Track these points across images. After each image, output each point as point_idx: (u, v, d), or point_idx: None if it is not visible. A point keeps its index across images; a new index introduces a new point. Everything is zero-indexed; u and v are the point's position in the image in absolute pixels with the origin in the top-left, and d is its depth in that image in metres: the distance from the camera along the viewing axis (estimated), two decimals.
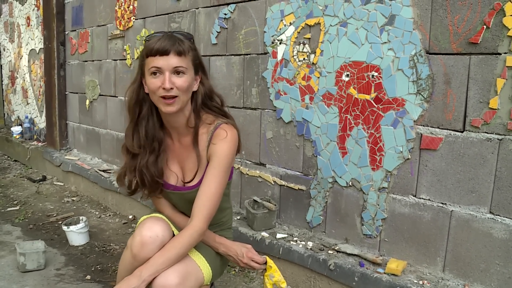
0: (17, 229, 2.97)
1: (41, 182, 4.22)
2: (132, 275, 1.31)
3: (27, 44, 5.31)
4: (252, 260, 1.51)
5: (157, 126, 1.50)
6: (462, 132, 1.67)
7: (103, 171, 3.59)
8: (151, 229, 1.37)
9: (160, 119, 1.52)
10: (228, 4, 2.53)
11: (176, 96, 1.39)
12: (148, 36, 1.45)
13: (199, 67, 1.49)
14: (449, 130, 1.71)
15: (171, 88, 1.37)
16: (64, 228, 2.71)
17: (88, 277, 2.30)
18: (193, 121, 1.50)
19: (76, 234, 2.71)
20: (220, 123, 1.50)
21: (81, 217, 2.81)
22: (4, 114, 6.36)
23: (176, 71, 1.38)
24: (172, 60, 1.37)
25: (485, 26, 1.57)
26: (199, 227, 1.41)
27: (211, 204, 1.44)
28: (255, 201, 2.38)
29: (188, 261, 1.42)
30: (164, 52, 1.36)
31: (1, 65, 6.33)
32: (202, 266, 1.46)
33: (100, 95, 3.89)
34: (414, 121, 1.80)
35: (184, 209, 1.61)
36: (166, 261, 1.33)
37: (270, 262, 1.52)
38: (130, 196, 1.68)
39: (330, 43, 2.05)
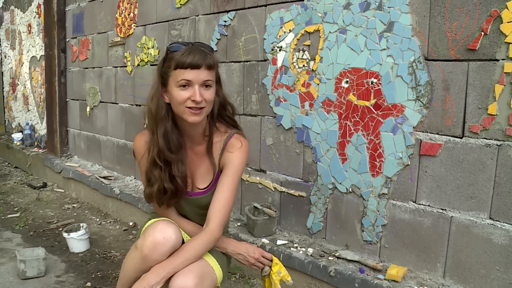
0: (18, 236, 2.97)
1: (41, 189, 4.22)
2: (150, 272, 1.33)
3: (28, 51, 5.33)
4: (262, 256, 1.56)
5: (178, 135, 1.51)
6: (461, 138, 1.68)
7: (104, 177, 3.60)
8: (165, 231, 1.38)
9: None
10: (228, 11, 2.55)
11: (203, 107, 1.43)
12: (171, 45, 1.44)
13: (218, 79, 1.53)
14: (448, 136, 1.71)
15: (201, 101, 1.40)
16: (65, 235, 2.71)
17: (89, 284, 2.30)
18: (209, 129, 1.55)
19: (77, 241, 2.70)
20: (233, 132, 1.56)
21: (81, 224, 2.81)
22: (5, 120, 6.38)
23: (205, 84, 1.42)
24: (203, 74, 1.40)
25: (482, 33, 1.58)
26: (216, 231, 1.45)
27: (226, 210, 1.49)
28: (255, 207, 2.38)
29: (202, 262, 1.44)
30: (196, 66, 1.38)
31: (2, 72, 6.35)
32: (215, 267, 1.48)
33: (100, 102, 3.90)
34: (413, 127, 1.80)
35: (190, 214, 1.62)
36: (184, 262, 1.36)
37: (276, 259, 1.59)
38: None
39: (330, 50, 2.06)
